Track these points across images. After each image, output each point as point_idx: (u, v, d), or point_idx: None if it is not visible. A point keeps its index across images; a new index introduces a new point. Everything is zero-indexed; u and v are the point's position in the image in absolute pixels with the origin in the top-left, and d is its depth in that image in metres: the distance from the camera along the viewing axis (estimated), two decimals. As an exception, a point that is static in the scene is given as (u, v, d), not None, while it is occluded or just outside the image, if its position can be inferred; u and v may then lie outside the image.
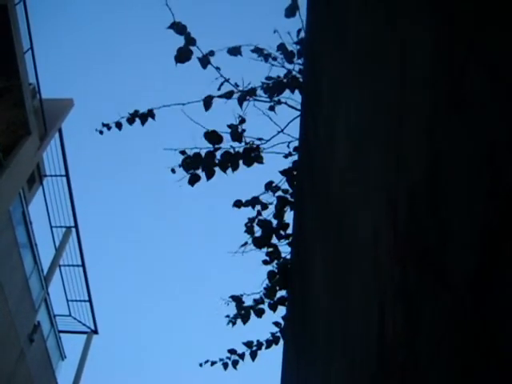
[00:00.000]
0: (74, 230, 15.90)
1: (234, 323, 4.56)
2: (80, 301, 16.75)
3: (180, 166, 3.87)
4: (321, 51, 2.42)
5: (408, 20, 1.13)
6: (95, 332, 17.68)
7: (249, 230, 4.14)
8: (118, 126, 4.05)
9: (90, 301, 16.78)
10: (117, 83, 34.98)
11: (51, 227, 15.53)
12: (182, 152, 3.85)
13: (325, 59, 2.28)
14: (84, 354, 17.33)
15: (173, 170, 3.92)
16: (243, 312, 4.49)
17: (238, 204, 4.08)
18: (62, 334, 16.70)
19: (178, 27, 3.68)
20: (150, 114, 3.96)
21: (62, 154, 14.53)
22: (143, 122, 3.97)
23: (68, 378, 16.68)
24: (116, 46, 34.25)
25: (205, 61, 3.73)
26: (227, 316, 4.64)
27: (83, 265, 16.26)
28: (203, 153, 3.84)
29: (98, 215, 36.64)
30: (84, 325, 17.42)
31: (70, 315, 17.10)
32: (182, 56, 3.68)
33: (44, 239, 15.62)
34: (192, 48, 3.71)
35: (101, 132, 4.14)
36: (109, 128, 4.10)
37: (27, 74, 11.97)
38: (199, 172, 3.86)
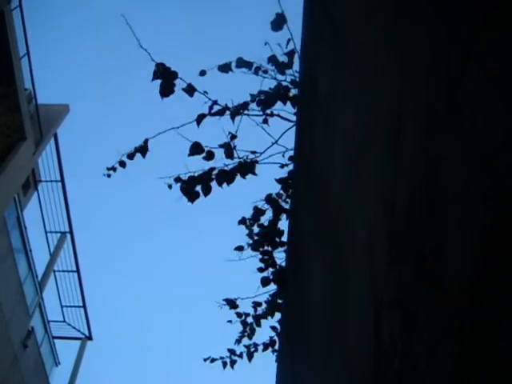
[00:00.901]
0: (68, 235, 15.85)
1: (240, 342, 4.74)
2: (74, 306, 16.67)
3: (179, 187, 3.93)
4: (317, 57, 2.43)
5: (406, 24, 1.14)
6: (89, 338, 17.59)
7: (248, 230, 4.21)
8: (122, 164, 4.20)
9: (84, 307, 16.70)
10: (113, 90, 34.93)
11: (46, 232, 15.48)
12: (177, 179, 3.91)
13: (322, 65, 2.29)
14: (78, 360, 17.23)
15: (169, 187, 3.98)
16: (248, 329, 4.63)
17: (243, 222, 4.21)
18: (55, 340, 16.62)
19: (160, 72, 3.72)
20: (146, 145, 4.08)
21: (58, 160, 14.50)
22: (143, 155, 4.10)
23: (62, 385, 16.59)
24: (112, 52, 34.24)
25: (190, 90, 3.77)
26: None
27: (78, 270, 16.19)
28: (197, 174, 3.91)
29: (93, 221, 36.51)
30: (78, 331, 17.33)
31: (64, 321, 17.01)
32: (166, 90, 3.74)
33: (39, 244, 15.56)
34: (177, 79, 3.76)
35: (108, 176, 4.27)
36: (114, 170, 4.24)
37: (23, 80, 11.95)
38: (197, 188, 3.93)
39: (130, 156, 4.12)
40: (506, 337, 0.68)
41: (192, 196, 3.93)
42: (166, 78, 3.70)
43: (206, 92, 3.79)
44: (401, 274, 1.11)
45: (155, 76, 3.71)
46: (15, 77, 11.29)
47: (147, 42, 3.70)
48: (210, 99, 3.79)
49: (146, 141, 4.05)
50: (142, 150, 4.07)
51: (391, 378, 1.16)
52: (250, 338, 4.71)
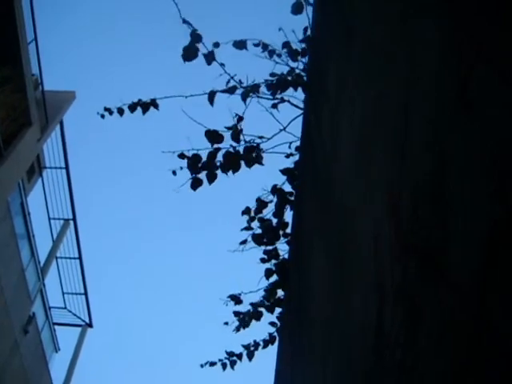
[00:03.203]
0: (72, 222, 15.89)
1: (238, 330, 4.63)
2: (76, 294, 16.74)
3: (182, 167, 3.88)
4: (327, 48, 2.40)
5: (417, 19, 1.13)
6: (90, 325, 17.68)
7: (248, 224, 4.15)
8: (120, 111, 4.06)
9: (85, 294, 16.77)
10: (120, 78, 34.95)
11: (49, 219, 15.52)
12: (181, 155, 3.85)
13: (331, 56, 2.26)
14: (78, 346, 17.33)
15: (174, 173, 3.92)
16: (246, 319, 4.54)
17: (246, 211, 4.15)
18: (56, 327, 16.70)
19: (188, 24, 3.71)
20: (153, 103, 3.99)
21: (63, 147, 14.50)
22: (144, 112, 3.99)
23: (61, 371, 16.69)
24: (121, 40, 34.22)
25: (210, 57, 3.74)
26: (226, 323, 4.66)
27: (80, 258, 16.24)
28: (202, 153, 3.86)
29: (97, 208, 36.62)
30: (79, 318, 17.41)
31: (65, 308, 17.09)
32: (189, 54, 3.71)
33: (42, 231, 15.58)
34: (198, 45, 3.73)
35: (102, 116, 4.13)
36: (110, 113, 4.09)
37: (30, 65, 11.93)
38: (201, 176, 3.88)
39: (132, 107, 4.01)
40: (510, 332, 0.68)
41: (195, 183, 3.88)
42: (191, 37, 3.68)
43: (223, 64, 3.76)
44: (406, 269, 1.11)
45: (184, 21, 3.68)
46: (22, 61, 11.28)
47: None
48: (226, 72, 3.76)
49: (152, 99, 3.98)
50: (145, 105, 3.99)
51: (392, 371, 1.16)
52: (244, 327, 4.59)
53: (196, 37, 3.72)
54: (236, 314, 4.58)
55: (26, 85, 11.50)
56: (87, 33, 34.23)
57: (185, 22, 3.70)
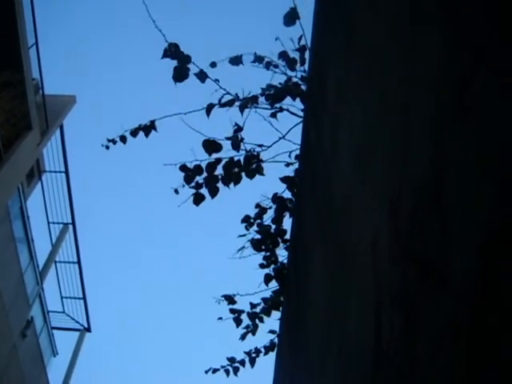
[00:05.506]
0: (71, 226, 15.86)
1: (243, 338, 4.63)
2: (74, 298, 16.69)
3: (183, 183, 3.89)
4: (327, 55, 2.41)
5: (418, 23, 1.13)
6: (88, 330, 17.62)
7: (248, 226, 4.17)
8: (123, 139, 4.10)
9: (84, 298, 16.72)
10: (119, 83, 34.97)
11: (48, 223, 15.49)
12: (182, 167, 3.86)
13: (330, 63, 2.27)
14: (76, 351, 17.26)
15: (176, 191, 3.93)
16: (252, 325, 4.53)
17: (246, 219, 4.16)
18: (54, 331, 16.65)
19: (172, 52, 3.70)
20: (152, 125, 4.01)
21: (63, 151, 14.47)
22: (147, 134, 4.03)
23: (59, 375, 16.63)
24: (121, 45, 34.26)
25: (202, 76, 3.75)
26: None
27: (79, 262, 16.20)
28: (204, 164, 3.86)
29: (96, 213, 36.54)
30: (77, 322, 17.35)
31: (63, 312, 17.04)
32: (180, 75, 3.72)
33: (41, 235, 15.54)
34: (189, 64, 3.74)
35: (107, 147, 4.18)
36: (114, 143, 4.14)
37: (31, 69, 11.94)
38: (202, 190, 3.89)
39: (133, 133, 4.03)
40: (508, 335, 0.67)
41: (197, 198, 3.90)
42: (178, 60, 3.68)
43: (217, 80, 3.77)
44: (404, 273, 1.11)
45: (165, 54, 3.69)
46: (23, 66, 11.29)
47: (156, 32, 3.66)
48: (221, 87, 3.77)
49: (152, 121, 3.99)
50: (147, 129, 4.00)
51: (391, 376, 1.15)
52: (253, 333, 4.60)
53: (184, 58, 3.72)
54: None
55: (26, 89, 11.51)
56: (87, 36, 34.28)
57: (171, 50, 3.70)
